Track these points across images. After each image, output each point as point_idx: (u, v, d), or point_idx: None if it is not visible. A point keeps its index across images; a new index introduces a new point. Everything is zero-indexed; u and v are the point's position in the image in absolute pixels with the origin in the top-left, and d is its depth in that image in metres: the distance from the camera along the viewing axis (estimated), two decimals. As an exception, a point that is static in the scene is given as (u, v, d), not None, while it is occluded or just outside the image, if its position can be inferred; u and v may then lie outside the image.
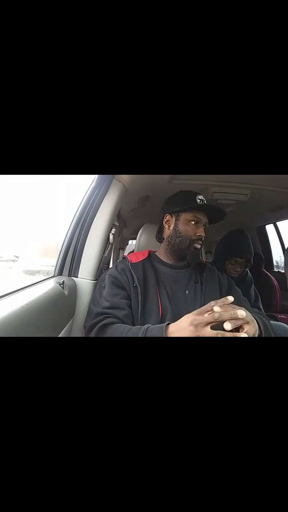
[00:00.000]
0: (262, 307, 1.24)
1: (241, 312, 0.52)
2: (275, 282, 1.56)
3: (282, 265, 1.64)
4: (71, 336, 0.80)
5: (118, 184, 0.92)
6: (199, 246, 0.80)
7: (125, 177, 0.92)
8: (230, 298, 0.53)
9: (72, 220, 0.96)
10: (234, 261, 1.22)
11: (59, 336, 0.66)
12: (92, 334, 0.67)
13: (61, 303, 0.68)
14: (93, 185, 0.91)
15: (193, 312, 0.56)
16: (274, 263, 1.90)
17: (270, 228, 1.81)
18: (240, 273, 1.24)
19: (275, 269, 1.86)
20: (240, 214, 1.43)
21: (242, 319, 0.52)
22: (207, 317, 0.53)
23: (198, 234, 0.79)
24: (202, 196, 0.81)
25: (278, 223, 1.73)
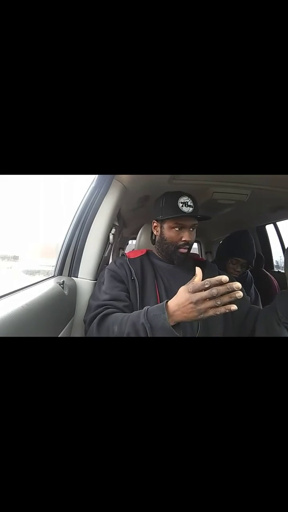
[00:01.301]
0: (262, 307, 1.24)
1: (237, 285, 0.52)
2: (275, 282, 1.56)
3: (282, 265, 1.64)
4: (71, 336, 0.80)
5: (118, 184, 0.92)
6: (185, 251, 0.80)
7: (125, 177, 0.92)
8: (225, 278, 0.52)
9: (72, 220, 0.96)
10: (235, 261, 1.22)
11: (59, 336, 0.66)
12: (93, 325, 0.67)
13: (61, 303, 0.68)
14: (93, 185, 0.91)
15: (188, 289, 0.56)
16: (274, 263, 1.90)
17: (270, 228, 1.81)
18: (240, 274, 1.25)
19: (275, 269, 1.86)
20: (240, 214, 1.43)
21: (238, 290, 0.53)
22: (205, 293, 0.54)
23: (183, 239, 0.78)
24: (185, 198, 0.78)
25: (278, 223, 1.73)
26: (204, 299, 0.54)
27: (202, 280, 0.57)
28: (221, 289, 0.52)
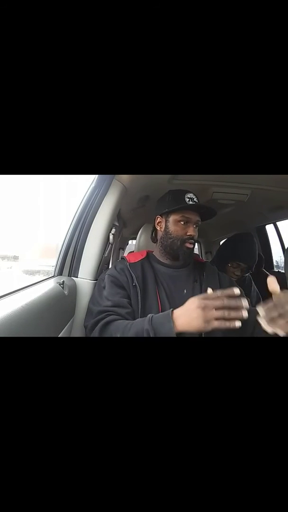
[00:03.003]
0: None
1: (245, 304, 0.53)
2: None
3: (282, 265, 1.64)
4: (71, 336, 0.80)
5: (118, 184, 0.92)
6: (191, 246, 0.80)
7: (125, 177, 0.92)
8: (237, 291, 0.53)
9: (72, 220, 0.96)
10: (236, 265, 1.21)
11: (59, 336, 0.66)
12: (95, 332, 0.67)
13: (61, 303, 0.68)
14: (93, 185, 0.91)
15: (199, 296, 0.57)
16: (274, 263, 1.90)
17: (270, 228, 1.81)
18: (239, 277, 1.24)
19: (275, 269, 1.86)
20: (240, 214, 1.43)
21: (245, 309, 0.53)
22: (216, 302, 0.54)
23: (188, 234, 0.78)
24: (191, 194, 0.80)
25: (278, 223, 1.73)
26: (212, 308, 0.54)
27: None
28: (232, 301, 0.53)
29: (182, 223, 0.79)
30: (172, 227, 0.79)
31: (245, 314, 0.53)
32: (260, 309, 0.53)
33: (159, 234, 0.84)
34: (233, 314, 0.53)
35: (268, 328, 0.52)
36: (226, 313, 0.53)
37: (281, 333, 0.51)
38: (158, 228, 0.84)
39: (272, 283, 0.56)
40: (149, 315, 0.62)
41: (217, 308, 0.54)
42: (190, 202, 0.78)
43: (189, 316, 0.56)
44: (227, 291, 0.54)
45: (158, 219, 0.83)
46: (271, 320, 0.52)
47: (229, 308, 0.53)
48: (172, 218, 0.80)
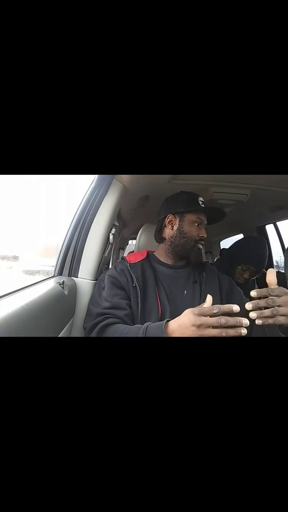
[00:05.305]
0: None
1: (246, 321, 0.50)
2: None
3: (282, 265, 1.64)
4: (71, 336, 0.80)
5: (118, 184, 0.92)
6: (201, 247, 0.82)
7: (125, 177, 0.92)
8: (236, 308, 0.50)
9: (72, 220, 0.96)
10: (246, 268, 1.22)
11: (59, 336, 0.66)
12: (93, 334, 0.67)
13: (61, 303, 0.68)
14: (93, 185, 0.92)
15: (194, 311, 0.54)
16: (274, 263, 1.89)
17: (270, 228, 1.81)
18: (246, 281, 1.25)
19: (275, 269, 1.86)
20: (240, 214, 1.43)
21: (245, 328, 0.50)
22: (212, 320, 0.51)
23: (201, 235, 0.80)
24: (202, 198, 0.83)
25: (278, 223, 1.73)
26: (209, 326, 0.51)
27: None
28: (230, 320, 0.49)
29: (196, 224, 0.80)
30: (187, 227, 0.80)
31: (243, 331, 0.49)
32: (249, 304, 0.52)
33: (169, 233, 0.83)
34: (231, 333, 0.49)
35: (258, 321, 0.51)
36: (223, 333, 0.49)
37: (266, 323, 0.51)
38: (168, 226, 0.83)
39: (271, 274, 0.56)
40: (145, 324, 0.62)
41: (214, 326, 0.51)
42: (203, 206, 0.81)
43: (183, 332, 0.54)
44: (225, 308, 0.51)
45: (170, 217, 0.83)
46: (258, 310, 0.51)
47: (227, 326, 0.49)
48: (187, 218, 0.81)
